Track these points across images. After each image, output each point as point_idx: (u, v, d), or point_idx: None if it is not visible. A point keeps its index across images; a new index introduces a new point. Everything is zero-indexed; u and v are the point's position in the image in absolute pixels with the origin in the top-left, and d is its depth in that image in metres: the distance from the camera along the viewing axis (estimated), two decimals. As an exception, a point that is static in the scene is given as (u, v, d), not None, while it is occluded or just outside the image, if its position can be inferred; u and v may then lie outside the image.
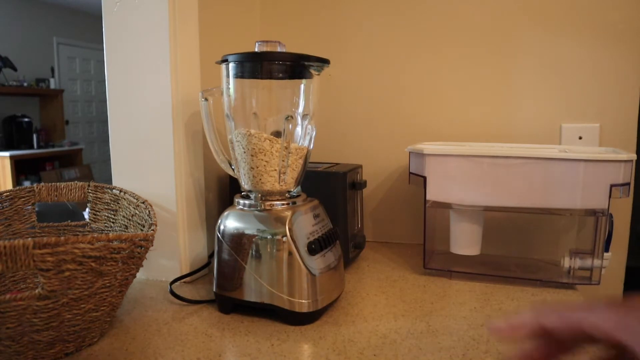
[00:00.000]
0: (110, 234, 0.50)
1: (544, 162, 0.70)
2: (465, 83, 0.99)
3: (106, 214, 0.73)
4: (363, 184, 0.87)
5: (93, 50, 5.90)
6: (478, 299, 0.69)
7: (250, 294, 0.61)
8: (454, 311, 0.65)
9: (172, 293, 0.69)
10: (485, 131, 0.98)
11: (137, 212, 0.68)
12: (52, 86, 5.37)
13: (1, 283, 0.66)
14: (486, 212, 0.79)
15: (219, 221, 0.64)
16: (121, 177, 0.78)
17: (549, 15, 0.93)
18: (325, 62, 0.62)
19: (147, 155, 0.75)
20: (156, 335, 0.58)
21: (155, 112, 0.74)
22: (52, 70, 5.45)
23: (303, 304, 0.59)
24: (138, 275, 0.60)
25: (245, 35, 1.03)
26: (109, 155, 0.79)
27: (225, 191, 0.91)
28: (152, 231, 0.57)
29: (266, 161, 0.63)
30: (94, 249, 0.48)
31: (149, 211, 0.65)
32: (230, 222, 0.63)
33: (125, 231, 0.69)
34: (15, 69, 4.73)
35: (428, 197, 0.77)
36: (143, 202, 0.67)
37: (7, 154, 4.45)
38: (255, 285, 0.61)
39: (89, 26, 5.79)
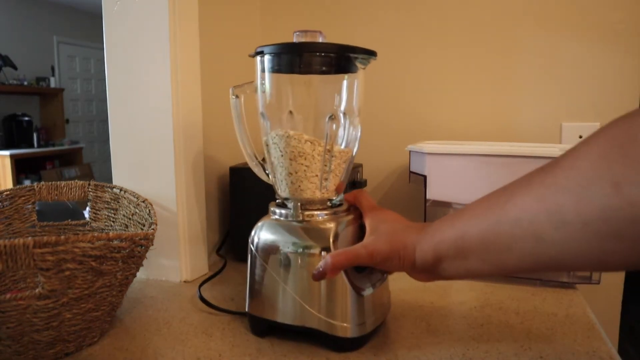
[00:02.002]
0: (111, 233, 0.50)
1: (544, 161, 0.69)
2: (466, 82, 0.98)
3: (106, 213, 0.73)
4: (363, 184, 0.87)
5: (93, 49, 5.91)
6: (478, 298, 0.69)
7: (288, 316, 0.54)
8: (454, 311, 0.65)
9: (202, 299, 0.67)
10: (485, 130, 0.98)
11: (137, 211, 0.68)
12: (53, 85, 5.38)
13: (1, 282, 0.66)
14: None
15: (253, 233, 0.58)
16: (121, 176, 0.78)
17: (550, 15, 0.92)
18: (372, 54, 0.55)
19: (147, 154, 0.75)
20: (156, 335, 0.58)
21: (155, 111, 0.74)
22: (52, 69, 5.46)
23: (349, 329, 0.52)
24: (138, 274, 0.60)
25: (246, 34, 1.03)
26: (109, 154, 0.79)
27: (225, 191, 0.91)
28: (152, 230, 0.57)
29: (306, 166, 0.56)
30: (94, 248, 0.48)
31: (149, 210, 0.65)
32: (265, 234, 0.56)
33: (125, 230, 0.69)
34: (15, 68, 4.74)
35: (428, 196, 0.77)
36: (143, 201, 0.67)
37: (7, 152, 4.45)
38: (294, 306, 0.54)
39: (89, 25, 5.79)
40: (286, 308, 0.54)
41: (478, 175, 0.73)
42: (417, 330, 0.58)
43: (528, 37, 0.94)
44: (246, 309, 0.58)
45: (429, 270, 0.47)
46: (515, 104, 0.96)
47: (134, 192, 0.70)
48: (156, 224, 0.60)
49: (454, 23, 0.98)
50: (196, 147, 0.79)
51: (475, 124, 0.99)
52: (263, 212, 0.85)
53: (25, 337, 0.48)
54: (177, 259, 0.76)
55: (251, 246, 0.57)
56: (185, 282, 0.76)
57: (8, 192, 0.69)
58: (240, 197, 0.85)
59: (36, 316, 0.47)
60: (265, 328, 0.57)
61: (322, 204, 0.58)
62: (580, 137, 0.93)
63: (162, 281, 0.77)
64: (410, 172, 0.82)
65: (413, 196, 1.01)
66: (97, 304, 0.53)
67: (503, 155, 0.72)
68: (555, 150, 0.73)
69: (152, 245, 0.57)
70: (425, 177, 0.76)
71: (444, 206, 0.79)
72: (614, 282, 0.96)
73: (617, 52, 0.90)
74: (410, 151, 0.82)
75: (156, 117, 0.74)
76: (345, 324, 0.52)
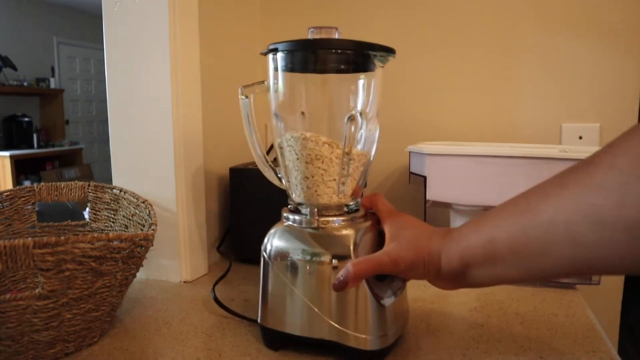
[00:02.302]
0: (110, 234, 0.50)
1: (544, 161, 0.70)
2: (466, 83, 0.99)
3: (106, 214, 0.73)
4: (363, 184, 0.87)
5: (93, 50, 5.91)
6: (478, 299, 0.69)
7: (305, 328, 0.51)
8: (454, 311, 0.65)
9: (217, 301, 0.65)
10: (485, 131, 0.98)
11: (137, 211, 0.68)
12: (52, 86, 5.37)
13: (1, 283, 0.66)
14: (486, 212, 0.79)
15: (266, 240, 0.55)
16: (121, 176, 0.78)
17: (550, 15, 0.93)
18: (391, 51, 0.53)
19: (147, 154, 0.75)
20: (156, 335, 0.58)
21: (155, 112, 0.74)
22: (52, 69, 5.46)
23: (369, 340, 0.50)
24: (138, 275, 0.60)
25: (246, 34, 1.03)
26: (109, 154, 0.79)
27: (225, 192, 0.91)
28: (152, 231, 0.57)
29: (324, 169, 0.53)
30: (94, 249, 0.48)
31: (149, 211, 0.65)
32: (279, 242, 0.53)
33: (125, 231, 0.69)
34: (15, 69, 4.73)
35: (428, 197, 0.77)
36: (143, 202, 0.67)
37: (7, 153, 4.45)
38: (312, 318, 0.51)
39: (89, 26, 5.79)
40: (302, 320, 0.51)
41: (478, 176, 0.73)
42: (417, 330, 0.58)
43: (528, 38, 0.94)
44: (258, 320, 0.55)
45: (455, 277, 0.45)
46: (515, 105, 0.96)
47: (133, 193, 0.70)
48: (156, 225, 0.60)
49: (453, 23, 0.98)
50: (196, 147, 0.79)
51: (475, 125, 0.99)
52: (263, 213, 0.84)
53: (25, 337, 0.48)
54: (177, 259, 0.76)
55: (264, 254, 0.54)
56: (185, 282, 0.76)
57: (8, 193, 0.69)
58: (240, 198, 0.85)
59: (36, 316, 0.47)
60: (280, 341, 0.54)
61: (339, 210, 0.55)
62: (580, 138, 0.93)
63: (162, 281, 0.77)
64: (410, 172, 0.82)
65: (413, 197, 1.01)
66: (97, 304, 0.53)
67: (503, 156, 0.72)
68: (554, 151, 0.73)
69: (152, 245, 0.57)
70: (425, 177, 0.76)
71: (444, 207, 0.79)
72: (614, 283, 0.96)
73: (617, 52, 0.90)
74: (410, 152, 0.82)
75: (156, 117, 0.74)
76: (365, 336, 0.49)
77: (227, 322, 0.61)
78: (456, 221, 0.80)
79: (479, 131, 0.98)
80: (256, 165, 0.87)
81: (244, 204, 0.85)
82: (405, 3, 1.00)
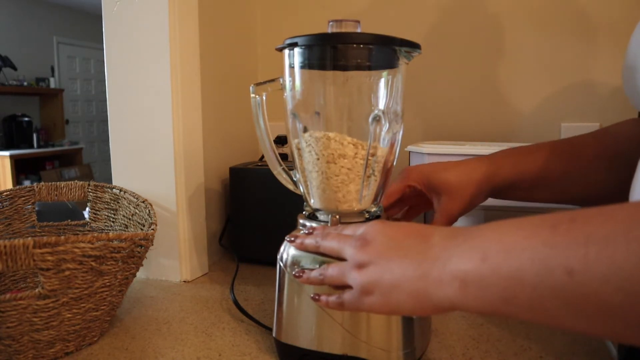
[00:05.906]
0: (110, 234, 0.50)
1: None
2: (465, 83, 0.99)
3: (106, 214, 0.73)
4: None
5: (93, 50, 5.91)
6: (478, 298, 0.68)
7: (325, 343, 0.48)
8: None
9: (236, 304, 0.64)
10: (485, 131, 0.98)
11: (137, 211, 0.68)
12: (52, 85, 5.37)
13: (1, 282, 0.66)
14: (486, 212, 0.79)
15: (282, 249, 0.51)
16: (121, 176, 0.78)
17: (549, 15, 0.93)
18: (416, 47, 0.49)
19: (147, 154, 0.75)
20: (156, 335, 0.58)
21: (155, 112, 0.74)
22: (52, 69, 5.46)
23: (395, 357, 0.47)
24: (138, 274, 0.60)
25: (246, 34, 1.03)
26: (109, 154, 0.79)
27: (225, 191, 0.92)
28: (152, 230, 0.57)
29: (348, 168, 0.50)
30: (94, 248, 0.48)
31: (149, 210, 0.65)
32: (296, 251, 0.49)
33: (125, 230, 0.69)
34: (15, 68, 4.73)
35: (428, 196, 0.77)
36: (143, 202, 0.67)
37: (7, 153, 4.45)
38: (333, 333, 0.47)
39: (89, 26, 5.79)
40: (323, 334, 0.48)
41: (478, 176, 0.73)
42: (416, 330, 0.58)
43: (527, 38, 0.94)
44: (273, 335, 0.52)
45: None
46: (514, 105, 0.96)
47: (133, 193, 0.70)
48: (156, 224, 0.60)
49: (453, 23, 0.98)
50: (196, 147, 0.79)
51: (474, 125, 0.99)
52: (263, 213, 0.84)
53: (25, 336, 0.48)
54: (176, 259, 0.76)
55: (280, 263, 0.50)
56: (185, 282, 0.76)
57: (8, 193, 0.69)
58: (240, 198, 0.85)
59: (36, 316, 0.47)
60: (297, 357, 0.49)
61: (360, 217, 0.52)
62: (580, 137, 0.93)
63: (162, 281, 0.77)
64: (410, 172, 0.82)
65: (413, 196, 1.01)
66: (97, 303, 0.53)
67: (503, 156, 0.71)
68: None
69: (152, 245, 0.57)
70: (425, 177, 0.76)
71: (443, 206, 0.79)
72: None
73: (617, 52, 0.90)
74: (410, 152, 0.82)
75: (156, 117, 0.74)
76: (392, 352, 0.46)
77: (227, 322, 0.61)
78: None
79: (479, 131, 0.98)
80: (256, 165, 0.87)
81: (244, 204, 0.85)
82: (406, 3, 1.00)
